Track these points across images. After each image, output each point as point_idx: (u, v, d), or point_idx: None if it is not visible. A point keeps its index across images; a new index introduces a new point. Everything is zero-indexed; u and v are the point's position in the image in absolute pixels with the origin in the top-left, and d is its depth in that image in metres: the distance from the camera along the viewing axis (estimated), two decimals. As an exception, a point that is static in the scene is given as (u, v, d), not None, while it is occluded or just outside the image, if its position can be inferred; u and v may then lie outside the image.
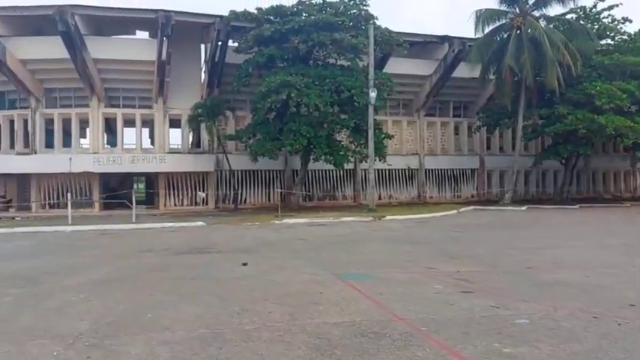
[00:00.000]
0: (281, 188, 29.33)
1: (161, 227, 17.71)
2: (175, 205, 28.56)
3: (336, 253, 10.91)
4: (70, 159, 25.95)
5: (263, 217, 21.79)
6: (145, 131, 31.82)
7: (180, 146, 29.51)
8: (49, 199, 27.31)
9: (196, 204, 28.83)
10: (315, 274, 8.34)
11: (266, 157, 25.04)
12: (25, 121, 27.43)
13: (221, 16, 25.17)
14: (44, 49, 25.46)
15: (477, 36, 28.85)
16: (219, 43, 25.82)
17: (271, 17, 24.86)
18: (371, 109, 23.92)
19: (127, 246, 12.61)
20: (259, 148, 24.22)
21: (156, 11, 24.47)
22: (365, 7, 25.56)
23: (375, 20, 25.42)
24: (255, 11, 24.88)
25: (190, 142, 29.81)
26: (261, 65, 24.89)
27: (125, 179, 32.20)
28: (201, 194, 26.03)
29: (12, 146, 27.75)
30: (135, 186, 35.59)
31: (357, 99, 23.58)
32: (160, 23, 24.00)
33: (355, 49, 24.60)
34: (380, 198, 30.92)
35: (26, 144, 27.40)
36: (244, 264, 9.21)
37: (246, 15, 24.69)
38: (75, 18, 23.77)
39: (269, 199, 30.21)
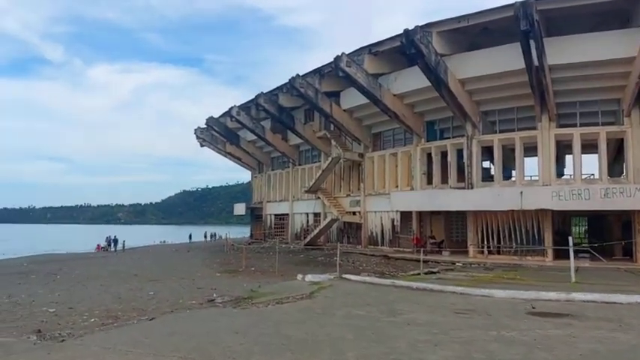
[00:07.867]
0: None
1: None
2: (660, 257, 20.10)
3: None
4: (521, 193, 20.89)
5: None
6: (590, 155, 24.48)
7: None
8: (487, 240, 22.89)
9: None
10: None
11: None
12: (459, 152, 24.10)
13: None
14: (488, 63, 21.52)
15: None
16: None
17: None
18: None
19: None
20: None
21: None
22: None
23: None
24: None
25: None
26: None
27: (565, 219, 25.65)
28: None
29: (444, 180, 24.79)
30: (573, 229, 28.39)
31: None
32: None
33: None
34: None
35: (460, 177, 23.96)
36: None
37: None
38: (536, 15, 18.81)
39: None
